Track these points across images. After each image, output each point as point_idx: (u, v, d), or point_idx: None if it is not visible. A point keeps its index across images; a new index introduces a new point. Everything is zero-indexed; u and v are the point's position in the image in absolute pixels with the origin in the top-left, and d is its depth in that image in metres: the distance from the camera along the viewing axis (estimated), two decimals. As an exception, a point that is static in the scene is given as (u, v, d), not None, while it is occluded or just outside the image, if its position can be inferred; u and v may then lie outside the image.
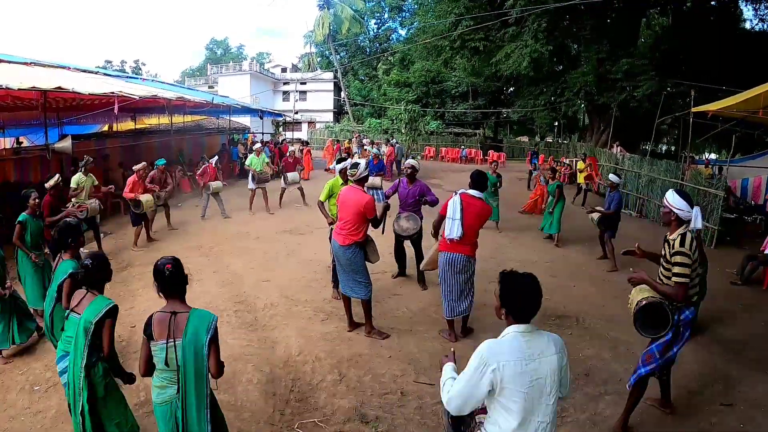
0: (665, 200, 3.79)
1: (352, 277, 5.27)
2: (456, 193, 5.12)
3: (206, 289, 6.95)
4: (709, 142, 24.72)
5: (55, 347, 3.77)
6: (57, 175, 7.34)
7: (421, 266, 6.03)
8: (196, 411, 2.78)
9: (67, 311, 3.39)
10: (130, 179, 9.22)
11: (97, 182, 8.79)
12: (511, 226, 11.45)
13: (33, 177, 10.97)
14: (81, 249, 4.33)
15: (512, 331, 2.36)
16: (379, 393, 4.34)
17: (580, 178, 16.12)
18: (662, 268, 3.83)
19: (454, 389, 2.31)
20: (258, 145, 13.90)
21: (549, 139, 37.73)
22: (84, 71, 13.74)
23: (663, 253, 3.83)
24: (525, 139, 39.56)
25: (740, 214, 11.73)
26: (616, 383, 4.70)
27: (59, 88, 8.41)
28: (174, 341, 2.71)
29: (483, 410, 2.47)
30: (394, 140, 23.07)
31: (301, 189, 13.22)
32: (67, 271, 3.90)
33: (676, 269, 3.60)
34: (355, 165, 5.29)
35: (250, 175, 12.38)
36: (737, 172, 13.78)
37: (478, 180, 5.19)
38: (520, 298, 2.36)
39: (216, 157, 13.41)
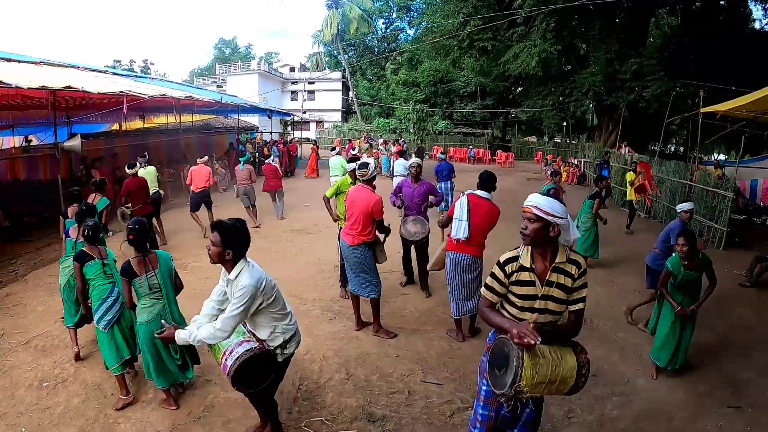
0: (534, 209, 2.58)
1: (362, 277, 5.28)
2: (464, 194, 5.09)
3: (214, 286, 6.93)
4: (718, 142, 24.53)
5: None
6: (138, 163, 8.86)
7: (429, 266, 6.01)
8: (177, 312, 4.22)
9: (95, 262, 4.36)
10: (207, 170, 10.28)
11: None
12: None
13: (42, 175, 11.09)
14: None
15: (244, 263, 3.09)
16: (386, 392, 4.34)
17: (631, 194, 11.70)
18: (541, 308, 2.67)
19: (230, 321, 3.04)
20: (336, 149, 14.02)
21: (557, 140, 37.57)
22: (93, 70, 13.86)
23: (537, 289, 2.66)
24: (533, 139, 39.40)
25: (749, 216, 11.62)
26: (623, 385, 4.71)
27: (68, 87, 8.47)
28: (154, 271, 3.97)
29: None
30: (402, 140, 23.04)
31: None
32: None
33: (582, 293, 2.69)
34: (365, 165, 5.29)
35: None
36: (747, 174, 13.65)
37: (487, 180, 5.14)
38: (243, 240, 3.07)
39: (274, 156, 13.48)
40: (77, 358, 4.86)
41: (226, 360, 3.13)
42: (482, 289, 2.84)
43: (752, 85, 11.48)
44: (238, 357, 3.10)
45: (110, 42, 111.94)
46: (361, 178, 5.30)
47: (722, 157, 28.04)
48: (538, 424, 2.97)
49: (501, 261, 2.73)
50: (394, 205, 6.85)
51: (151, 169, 9.73)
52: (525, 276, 2.66)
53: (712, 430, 4.11)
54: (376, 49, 52.85)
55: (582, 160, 22.63)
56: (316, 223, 11.03)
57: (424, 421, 3.98)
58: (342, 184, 6.49)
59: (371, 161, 5.38)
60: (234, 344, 3.18)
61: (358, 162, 5.56)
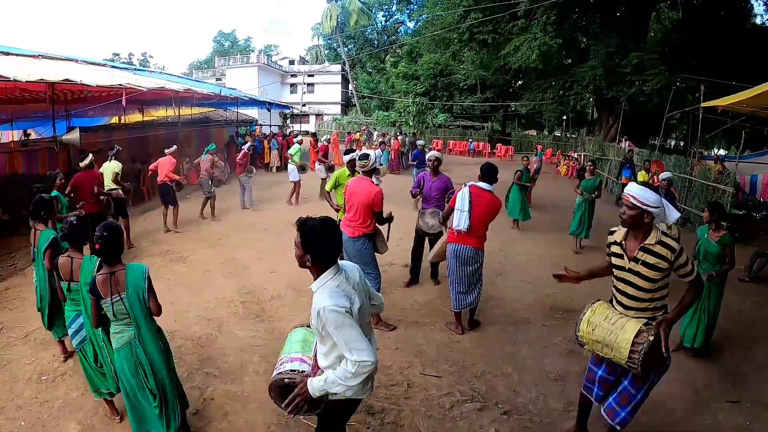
0: (631, 198, 3.03)
1: (362, 269, 5.25)
2: (465, 185, 5.10)
3: (213, 279, 6.99)
4: (718, 137, 24.51)
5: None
6: (90, 155, 7.70)
7: (429, 258, 6.01)
8: (154, 345, 3.31)
9: (66, 283, 3.83)
10: (167, 161, 9.59)
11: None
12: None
13: (41, 169, 11.04)
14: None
15: (328, 278, 2.48)
16: (385, 385, 4.34)
17: None
18: (644, 287, 3.10)
19: (363, 344, 2.36)
20: (299, 137, 13.82)
21: (557, 133, 37.52)
22: (92, 64, 13.79)
23: (640, 271, 3.09)
24: (533, 132, 39.34)
25: (749, 211, 11.63)
26: (622, 378, 4.70)
27: (67, 80, 8.45)
28: (119, 296, 3.16)
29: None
30: (402, 134, 23.00)
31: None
32: (49, 237, 4.40)
33: (688, 267, 3.01)
34: (365, 156, 5.26)
35: (297, 166, 12.41)
36: (747, 169, 13.64)
37: (489, 172, 5.16)
38: (324, 244, 2.48)
39: (249, 143, 13.34)
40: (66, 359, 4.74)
41: (276, 365, 2.82)
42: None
43: (753, 81, 11.45)
44: (281, 372, 2.70)
45: (109, 35, 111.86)
46: (360, 170, 5.28)
47: (722, 152, 28.07)
48: (631, 403, 3.26)
49: (608, 232, 3.40)
50: (412, 194, 6.91)
51: (112, 164, 8.61)
52: (616, 249, 3.23)
53: (711, 424, 4.11)
54: (376, 42, 52.66)
55: (582, 154, 22.59)
56: (315, 215, 10.99)
57: (424, 413, 3.98)
58: (340, 176, 6.47)
59: (371, 152, 5.35)
60: (289, 357, 2.79)
61: (358, 153, 5.54)
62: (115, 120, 18.00)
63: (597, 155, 19.87)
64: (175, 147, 10.08)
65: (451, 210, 5.25)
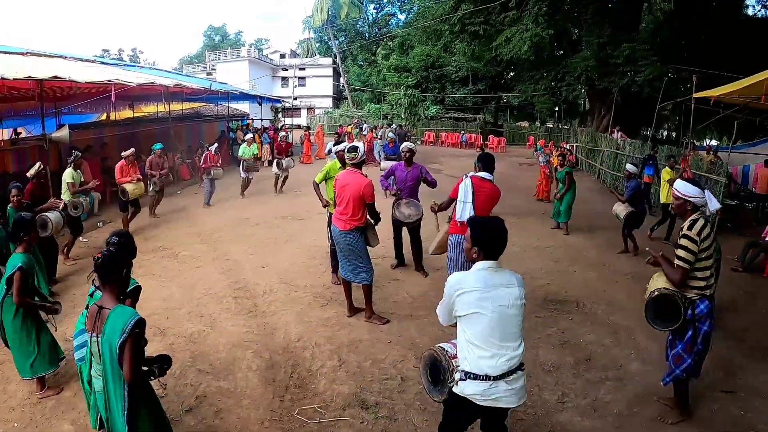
0: (676, 191, 3.70)
1: (353, 262, 5.24)
2: (467, 176, 5.09)
3: (205, 275, 6.94)
4: (710, 128, 24.57)
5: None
6: (38, 164, 7.19)
7: (431, 251, 5.97)
8: (117, 409, 2.66)
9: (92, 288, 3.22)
10: (119, 165, 9.10)
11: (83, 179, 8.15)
12: (518, 211, 11.36)
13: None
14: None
15: (480, 266, 2.76)
16: (379, 379, 4.32)
17: (664, 195, 10.06)
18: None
19: (438, 311, 2.93)
20: (249, 135, 13.73)
21: (549, 125, 37.55)
22: (81, 60, 13.62)
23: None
24: (525, 124, 39.36)
25: (741, 201, 11.68)
26: (616, 369, 4.71)
27: (55, 77, 8.33)
28: (97, 337, 2.66)
29: (455, 356, 2.79)
30: (394, 125, 22.89)
31: (286, 177, 13.23)
32: (16, 265, 3.90)
33: (678, 252, 3.57)
34: (354, 148, 5.22)
35: (241, 164, 12.50)
36: (739, 159, 13.70)
37: (488, 162, 5.18)
38: (492, 239, 2.77)
39: (216, 145, 13.36)
40: None
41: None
42: None
43: (745, 71, 11.47)
44: (434, 348, 3.02)
45: (98, 31, 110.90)
46: (350, 162, 5.24)
47: (714, 142, 28.16)
48: (683, 363, 3.79)
49: None
50: (386, 190, 6.83)
51: (66, 172, 7.78)
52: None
53: (706, 415, 4.10)
54: (367, 35, 52.43)
55: (574, 145, 22.61)
56: (306, 209, 10.97)
57: (418, 407, 3.97)
58: (331, 169, 6.42)
59: (360, 145, 5.32)
60: (447, 343, 3.04)
61: (348, 145, 5.51)
62: (105, 116, 17.87)
63: (589, 146, 19.91)
64: (132, 150, 9.48)
65: (451, 201, 5.26)
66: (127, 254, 2.86)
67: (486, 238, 2.76)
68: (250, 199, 12.04)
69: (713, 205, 3.65)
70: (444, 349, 2.92)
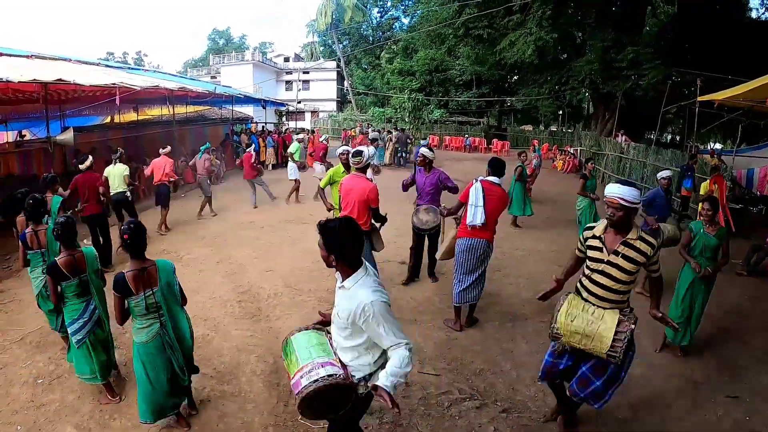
0: (616, 198, 3.17)
1: None
2: (477, 180, 5.10)
3: (209, 279, 6.95)
4: (714, 131, 24.49)
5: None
6: (90, 158, 7.68)
7: (438, 256, 5.94)
8: (182, 324, 3.62)
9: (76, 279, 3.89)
10: (163, 161, 9.55)
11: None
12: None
13: (36, 170, 10.98)
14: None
15: (361, 276, 2.57)
16: (383, 383, 4.31)
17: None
18: (618, 278, 3.23)
19: (401, 337, 2.54)
20: (301, 135, 13.69)
21: (553, 128, 37.52)
22: (85, 63, 13.69)
23: (619, 263, 3.22)
24: (529, 128, 39.31)
25: (745, 205, 11.64)
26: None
27: (60, 80, 8.37)
28: (152, 290, 3.38)
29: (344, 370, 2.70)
30: (395, 132, 22.85)
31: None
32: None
33: (659, 264, 3.32)
34: (359, 152, 5.22)
35: (289, 164, 12.32)
36: (743, 163, 13.65)
37: (498, 166, 5.18)
38: (347, 243, 2.55)
39: (254, 145, 13.30)
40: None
41: (301, 377, 2.61)
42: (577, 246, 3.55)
43: (749, 74, 11.42)
44: (317, 380, 2.53)
45: (103, 35, 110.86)
46: (355, 167, 5.24)
47: (718, 146, 28.06)
48: (589, 388, 3.39)
49: (583, 228, 3.51)
50: (405, 186, 6.73)
51: (119, 167, 8.63)
52: (596, 243, 3.34)
53: (710, 419, 4.10)
54: (371, 38, 52.44)
55: (578, 149, 22.58)
56: (311, 213, 11.00)
57: (422, 412, 3.96)
58: (335, 174, 6.41)
59: (365, 149, 5.32)
60: (317, 363, 2.65)
61: (353, 149, 5.50)
62: (109, 119, 17.93)
63: (593, 150, 19.86)
64: (169, 147, 10.00)
65: (461, 205, 5.25)
66: (143, 231, 3.47)
67: (342, 243, 2.55)
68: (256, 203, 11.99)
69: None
70: (335, 375, 2.60)
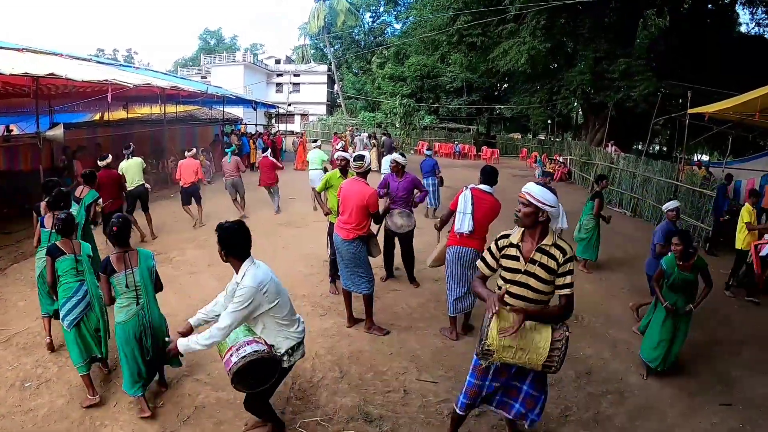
0: (527, 196, 2.93)
1: (355, 272, 5.18)
2: (467, 188, 5.04)
3: (201, 282, 6.83)
4: (700, 143, 24.88)
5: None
6: (109, 155, 8.20)
7: (429, 263, 5.93)
8: (157, 312, 4.02)
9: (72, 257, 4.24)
10: (189, 162, 9.95)
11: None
12: (513, 224, 11.30)
13: (23, 165, 10.79)
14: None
15: (248, 264, 3.09)
16: (381, 391, 4.26)
17: (741, 239, 7.72)
18: (537, 288, 2.98)
19: (232, 322, 3.03)
20: (318, 141, 13.54)
21: (541, 137, 37.82)
22: (77, 58, 13.48)
23: (535, 271, 2.97)
24: (518, 136, 39.61)
25: (733, 216, 11.76)
26: (617, 382, 4.72)
27: (52, 74, 8.21)
28: (132, 269, 3.79)
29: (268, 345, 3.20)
30: (383, 136, 22.74)
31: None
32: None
33: (567, 279, 2.93)
34: (360, 157, 5.16)
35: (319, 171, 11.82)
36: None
37: (490, 175, 5.12)
38: (239, 241, 3.07)
39: (268, 151, 13.16)
40: (50, 348, 4.76)
41: (230, 356, 3.05)
42: (478, 262, 3.26)
43: (738, 88, 11.60)
44: (245, 356, 3.00)
45: (93, 31, 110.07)
46: (355, 171, 5.18)
47: (705, 157, 28.47)
48: (538, 405, 3.24)
49: (497, 237, 3.20)
50: (380, 195, 6.72)
51: (137, 160, 9.12)
52: (512, 251, 3.06)
53: (705, 428, 4.13)
54: (363, 43, 52.56)
55: (568, 158, 22.74)
56: (303, 217, 10.91)
57: (422, 420, 3.91)
58: (331, 178, 6.34)
59: (366, 153, 5.27)
60: (242, 342, 3.09)
61: (353, 154, 5.45)
62: (98, 117, 17.69)
63: (583, 159, 20.01)
64: (195, 150, 10.54)
65: (451, 213, 5.20)
66: (129, 223, 4.02)
67: (231, 240, 3.07)
68: (253, 205, 11.84)
69: (562, 222, 3.03)
70: (258, 351, 3.11)
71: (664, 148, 33.56)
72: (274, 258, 7.99)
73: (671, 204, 6.50)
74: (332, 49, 49.80)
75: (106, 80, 9.71)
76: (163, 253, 8.10)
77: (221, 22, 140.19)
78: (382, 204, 5.43)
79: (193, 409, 3.95)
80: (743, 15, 25.99)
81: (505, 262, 3.07)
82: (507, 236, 3.11)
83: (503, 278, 3.09)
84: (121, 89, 10.27)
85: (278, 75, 52.50)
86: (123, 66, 18.05)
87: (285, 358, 3.20)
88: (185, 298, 6.19)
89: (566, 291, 2.92)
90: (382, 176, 7.49)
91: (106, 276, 3.74)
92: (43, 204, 5.29)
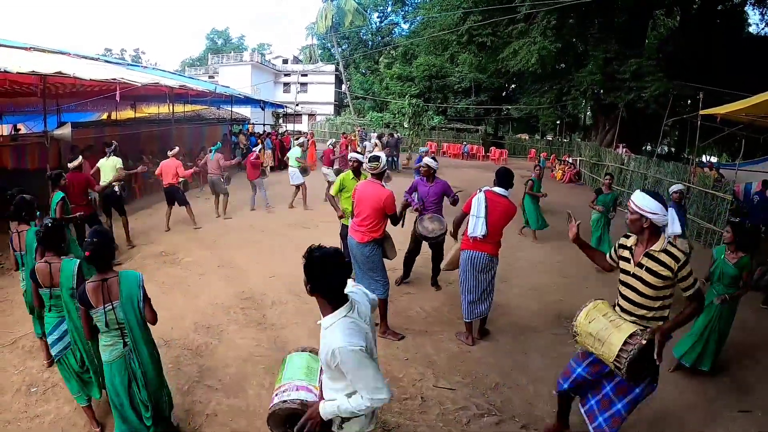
0: (632, 204, 3.11)
1: (370, 275, 5.05)
2: (480, 191, 4.92)
3: (210, 283, 6.73)
4: (709, 145, 24.66)
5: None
6: (80, 157, 7.55)
7: (442, 266, 5.78)
8: (147, 354, 3.24)
9: (47, 290, 3.57)
10: (170, 163, 9.55)
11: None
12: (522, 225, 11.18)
13: (30, 164, 10.72)
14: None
15: (340, 316, 2.27)
16: (398, 398, 4.13)
17: None
18: (646, 293, 3.10)
19: (375, 383, 2.22)
20: (302, 139, 13.52)
21: (549, 137, 37.59)
22: (84, 57, 13.43)
23: (642, 275, 3.09)
24: (525, 136, 39.39)
25: (745, 219, 11.59)
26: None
27: (60, 72, 8.14)
28: (112, 304, 3.06)
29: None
30: (388, 136, 22.62)
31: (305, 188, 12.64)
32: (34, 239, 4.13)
33: (690, 280, 2.99)
34: (375, 158, 5.03)
35: (299, 168, 11.89)
36: (742, 177, 13.64)
37: (505, 177, 4.96)
38: (326, 278, 2.28)
39: (260, 146, 13.13)
40: (50, 365, 4.45)
41: (276, 394, 2.65)
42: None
43: (748, 89, 11.42)
44: (286, 401, 2.55)
45: (101, 30, 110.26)
46: (371, 172, 5.05)
47: (713, 159, 28.20)
48: (611, 410, 3.28)
49: (622, 236, 3.41)
50: (412, 206, 6.54)
51: (113, 160, 8.46)
52: (626, 254, 3.26)
53: (725, 434, 4.04)
54: (370, 43, 52.47)
55: (577, 159, 22.55)
56: (311, 218, 10.81)
57: (441, 429, 3.79)
58: (344, 179, 6.23)
59: (382, 154, 5.12)
60: (294, 385, 2.63)
61: (369, 155, 5.31)
62: (105, 116, 17.64)
63: (593, 161, 19.83)
64: (177, 149, 10.01)
65: (464, 216, 5.07)
66: (109, 241, 3.20)
67: (320, 276, 2.31)
68: (260, 205, 11.78)
69: (674, 228, 3.25)
70: (302, 401, 2.56)
71: (672, 149, 33.24)
72: (284, 259, 7.89)
73: (676, 186, 7.24)
74: (340, 49, 49.77)
75: (115, 79, 9.64)
76: (170, 253, 8.02)
77: (223, 22, 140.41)
78: (399, 207, 5.27)
79: (204, 417, 3.82)
80: (753, 15, 25.83)
81: (621, 263, 3.30)
82: (628, 237, 3.31)
83: (619, 278, 3.30)
84: (130, 88, 10.20)
85: (286, 75, 52.42)
86: (131, 65, 18.03)
87: (335, 427, 2.42)
88: (194, 301, 6.09)
89: (690, 291, 3.02)
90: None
91: (84, 308, 3.08)
92: (14, 224, 4.55)
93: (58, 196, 5.96)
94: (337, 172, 12.14)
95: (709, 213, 10.94)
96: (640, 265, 3.10)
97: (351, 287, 2.51)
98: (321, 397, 2.46)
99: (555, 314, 6.24)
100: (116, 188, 8.37)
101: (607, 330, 3.09)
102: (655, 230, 3.08)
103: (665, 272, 2.99)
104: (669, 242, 3.07)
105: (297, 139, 13.74)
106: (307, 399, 2.56)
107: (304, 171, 12.07)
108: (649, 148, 26.31)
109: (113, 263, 3.19)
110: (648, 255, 3.07)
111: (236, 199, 11.64)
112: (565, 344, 5.34)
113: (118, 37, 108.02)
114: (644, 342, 2.93)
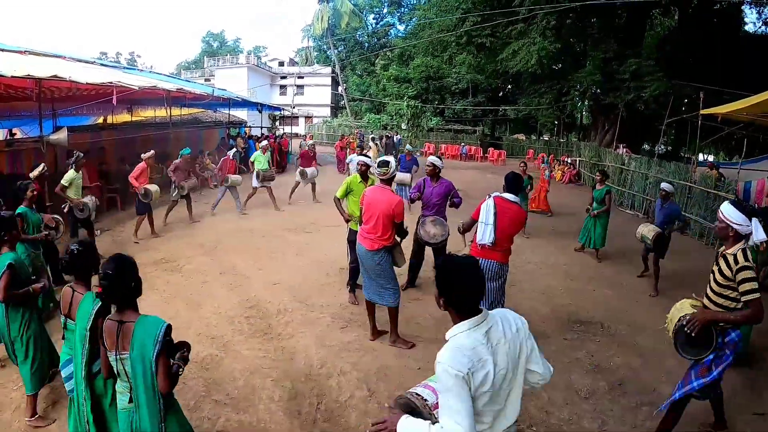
0: (721, 214, 3.47)
1: (379, 283, 4.91)
2: (489, 196, 4.76)
3: (212, 291, 6.58)
4: (708, 144, 24.68)
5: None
6: (42, 165, 7.15)
7: None
8: (149, 425, 2.57)
9: (63, 318, 3.14)
10: (140, 166, 9.10)
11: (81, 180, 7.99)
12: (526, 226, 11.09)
13: (26, 170, 10.57)
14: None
15: (462, 329, 2.02)
16: (412, 410, 4.00)
17: None
18: (713, 287, 3.52)
19: (454, 420, 1.88)
20: (264, 142, 13.52)
21: (546, 138, 37.59)
22: (80, 61, 13.28)
23: (715, 270, 3.50)
24: (522, 137, 39.38)
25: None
26: (650, 393, 4.54)
27: (55, 76, 8.01)
28: (120, 354, 2.52)
29: (436, 406, 2.09)
30: (398, 136, 22.64)
31: (314, 184, 13.11)
32: (5, 263, 3.61)
33: (745, 286, 3.25)
34: (385, 163, 4.89)
35: (255, 173, 11.68)
36: (741, 175, 13.59)
37: (514, 182, 4.81)
38: (459, 287, 2.03)
39: (234, 149, 13.07)
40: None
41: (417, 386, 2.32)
42: None
43: (746, 88, 11.41)
44: (410, 393, 2.21)
45: (96, 34, 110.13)
46: (380, 178, 4.92)
47: (710, 158, 28.23)
48: (686, 382, 3.59)
49: None
50: (411, 199, 6.46)
51: (69, 175, 7.64)
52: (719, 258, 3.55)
53: (739, 436, 3.98)
54: (366, 45, 52.42)
55: (576, 159, 22.49)
56: (312, 221, 10.67)
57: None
58: (351, 183, 6.10)
59: (391, 159, 4.99)
60: (429, 383, 2.27)
61: (378, 159, 5.17)
62: (101, 120, 17.50)
63: (593, 161, 19.77)
64: (152, 152, 9.53)
65: (473, 222, 4.93)
66: (133, 268, 2.61)
67: (451, 284, 2.07)
68: (251, 210, 11.66)
69: (758, 235, 3.35)
70: (423, 397, 2.22)
71: (669, 148, 33.26)
72: (286, 264, 7.77)
73: (665, 185, 7.55)
74: (336, 51, 49.70)
75: (111, 82, 9.51)
76: (171, 260, 7.87)
77: (222, 24, 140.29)
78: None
79: (213, 432, 3.69)
80: (750, 15, 25.89)
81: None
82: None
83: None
84: (126, 92, 10.06)
85: (282, 77, 52.35)
86: (127, 68, 17.86)
87: None
88: (197, 310, 5.94)
89: (747, 297, 3.27)
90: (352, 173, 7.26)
91: (104, 348, 2.60)
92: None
93: (19, 210, 5.34)
94: (302, 173, 12.70)
95: (711, 213, 10.87)
96: (716, 265, 3.50)
97: (507, 313, 2.23)
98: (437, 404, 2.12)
99: (565, 318, 6.15)
100: (76, 213, 7.63)
101: (675, 311, 3.71)
102: (738, 237, 3.41)
103: (727, 272, 3.37)
104: (742, 249, 3.37)
105: (258, 140, 13.78)
106: (426, 397, 2.15)
107: (303, 175, 12.13)
108: (647, 147, 26.29)
109: (135, 301, 2.64)
110: (723, 256, 3.46)
111: (233, 203, 11.51)
112: (577, 350, 5.26)
113: (113, 40, 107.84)
114: (693, 316, 3.42)
